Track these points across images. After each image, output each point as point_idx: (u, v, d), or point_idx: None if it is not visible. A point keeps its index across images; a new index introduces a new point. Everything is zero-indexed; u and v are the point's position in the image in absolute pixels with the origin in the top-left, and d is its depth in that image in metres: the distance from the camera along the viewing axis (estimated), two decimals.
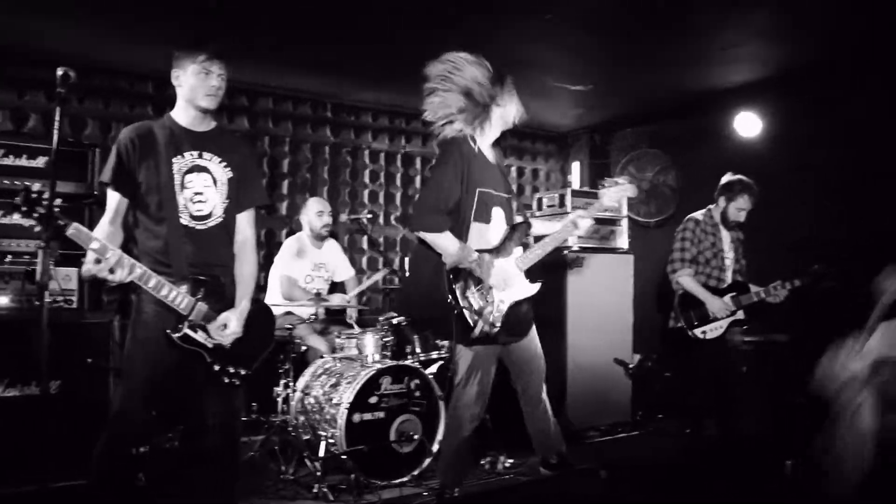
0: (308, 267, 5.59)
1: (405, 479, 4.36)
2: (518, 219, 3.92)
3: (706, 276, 4.94)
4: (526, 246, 3.83)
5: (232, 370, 3.17)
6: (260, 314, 3.35)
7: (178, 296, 2.99)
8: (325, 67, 5.99)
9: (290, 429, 4.64)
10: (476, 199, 3.66)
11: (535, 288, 3.76)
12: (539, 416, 3.99)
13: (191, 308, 3.03)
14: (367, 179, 7.13)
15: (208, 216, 3.17)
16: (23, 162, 4.65)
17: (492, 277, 3.61)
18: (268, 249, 6.29)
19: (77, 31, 5.11)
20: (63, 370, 4.09)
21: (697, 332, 4.84)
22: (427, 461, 4.46)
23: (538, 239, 3.89)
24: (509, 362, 3.94)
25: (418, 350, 4.87)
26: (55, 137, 2.64)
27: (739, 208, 4.93)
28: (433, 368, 4.81)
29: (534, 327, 3.93)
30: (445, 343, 4.90)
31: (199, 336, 3.07)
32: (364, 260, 7.07)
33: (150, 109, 6.03)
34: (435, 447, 4.48)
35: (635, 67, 5.85)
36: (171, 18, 4.88)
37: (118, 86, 5.95)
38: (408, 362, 4.64)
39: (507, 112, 3.73)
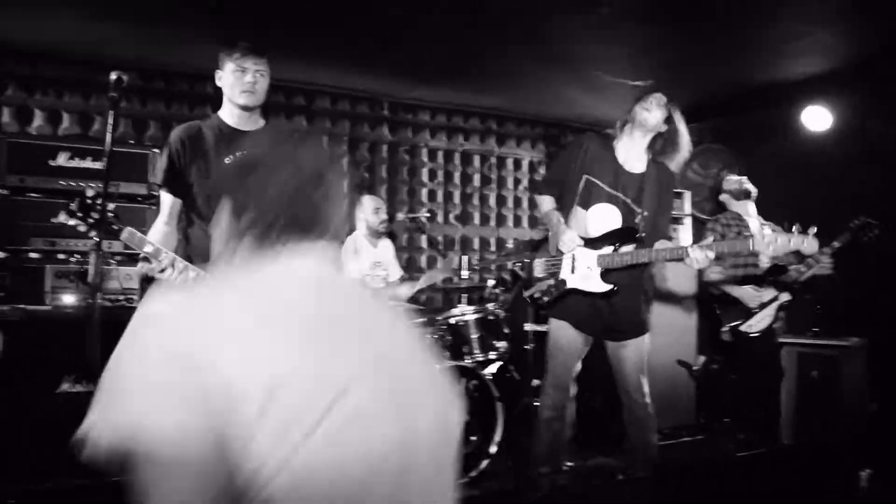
0: (367, 266, 5.58)
1: (463, 480, 4.32)
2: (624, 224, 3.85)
3: (742, 268, 4.87)
4: (617, 248, 3.77)
5: None
6: None
7: None
8: (383, 66, 5.98)
9: None
10: (581, 185, 3.81)
11: (601, 286, 3.71)
12: (631, 421, 3.92)
13: None
14: (425, 178, 7.11)
15: None
16: (87, 164, 4.74)
17: (563, 238, 3.78)
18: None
19: (137, 35, 5.18)
20: None
21: (743, 328, 4.77)
22: (484, 463, 4.40)
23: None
24: (610, 358, 3.92)
25: (476, 350, 4.82)
26: (108, 140, 2.68)
27: (737, 180, 5.12)
28: (491, 369, 4.76)
29: (642, 339, 3.84)
30: (503, 343, 4.86)
31: None
32: (423, 259, 7.05)
33: (210, 110, 6.08)
34: (493, 449, 4.42)
35: (696, 60, 5.69)
36: (227, 21, 4.93)
37: (178, 87, 6.04)
38: (465, 363, 4.59)
39: (645, 119, 3.81)
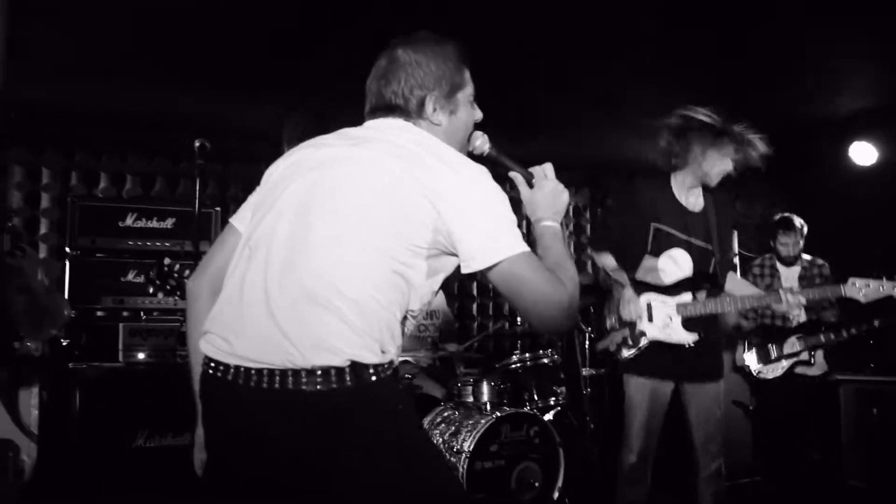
0: (421, 316, 5.66)
1: None
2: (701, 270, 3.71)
3: (769, 318, 4.94)
4: (695, 294, 3.65)
5: None
6: None
7: None
8: None
9: None
10: (650, 235, 3.66)
11: (685, 337, 3.56)
12: (703, 477, 3.78)
13: None
14: None
15: None
16: (153, 224, 4.92)
17: (629, 307, 3.60)
18: None
19: (196, 97, 5.39)
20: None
21: (753, 370, 4.87)
22: None
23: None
24: (686, 405, 3.76)
25: (535, 397, 4.87)
26: (197, 205, 2.82)
27: (783, 243, 5.12)
28: (549, 416, 4.80)
29: (719, 383, 3.74)
30: (561, 389, 4.90)
31: None
32: (474, 306, 7.12)
33: (264, 166, 6.27)
34: (555, 494, 4.45)
35: (737, 98, 5.76)
36: (285, 83, 5.12)
37: (235, 146, 6.23)
38: (526, 409, 4.64)
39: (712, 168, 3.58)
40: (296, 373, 1.61)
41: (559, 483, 4.48)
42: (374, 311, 1.70)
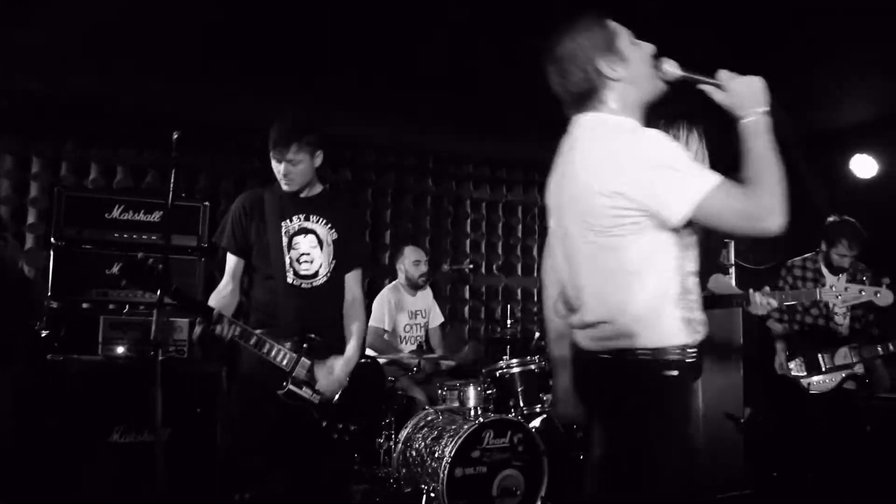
0: (406, 316, 5.62)
1: None
2: None
3: (809, 326, 4.68)
4: None
5: (341, 426, 3.25)
6: (369, 369, 3.48)
7: (281, 353, 3.12)
8: (427, 119, 6.07)
9: (392, 481, 4.62)
10: None
11: None
12: None
13: (293, 364, 3.15)
14: (468, 229, 7.15)
15: (314, 275, 3.33)
16: (140, 217, 4.84)
17: None
18: (370, 299, 6.34)
19: (187, 89, 5.35)
20: (174, 419, 4.20)
21: (803, 382, 4.61)
22: None
23: None
24: None
25: (522, 403, 4.79)
26: (170, 198, 2.76)
27: (841, 254, 4.58)
28: (536, 423, 4.72)
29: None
30: (549, 396, 4.82)
31: (304, 392, 3.15)
32: (466, 310, 7.06)
33: (257, 161, 6.24)
34: (538, 503, 4.37)
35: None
36: (274, 75, 5.07)
37: (227, 141, 6.17)
38: (511, 416, 4.56)
39: None
40: None
41: (542, 492, 4.41)
42: None
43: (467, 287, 6.96)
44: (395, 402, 4.86)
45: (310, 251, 3.33)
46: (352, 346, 3.34)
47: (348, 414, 3.28)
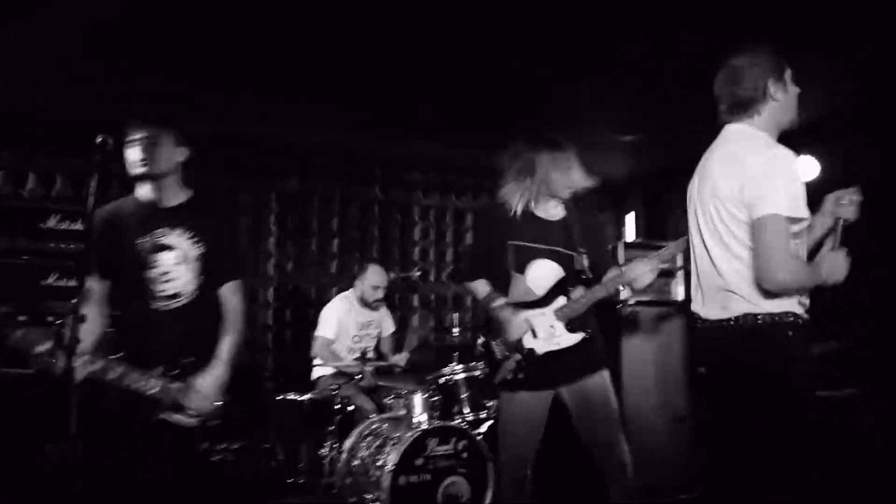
0: (354, 327, 5.57)
1: None
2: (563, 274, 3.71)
3: None
4: (569, 296, 3.64)
5: (222, 446, 3.05)
6: (244, 383, 3.25)
7: (147, 382, 2.88)
8: (374, 124, 6.03)
9: (336, 491, 4.57)
10: (510, 253, 3.61)
11: (574, 338, 3.57)
12: (609, 470, 3.66)
13: (163, 392, 2.91)
14: (417, 236, 7.12)
15: (176, 295, 3.05)
16: (78, 226, 4.77)
17: (510, 328, 3.55)
18: (317, 309, 6.28)
19: (130, 97, 5.25)
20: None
21: None
22: None
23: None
24: (571, 408, 3.69)
25: (466, 410, 4.76)
26: (90, 202, 2.66)
27: None
28: (482, 429, 4.70)
29: (600, 374, 3.67)
30: (494, 402, 4.79)
31: (178, 418, 2.94)
32: (415, 318, 7.02)
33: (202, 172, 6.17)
34: None
35: (688, 114, 5.74)
36: (219, 82, 5.01)
37: None
38: (455, 423, 4.53)
39: (555, 181, 3.59)
40: None
41: (488, 499, 4.38)
42: None
43: (416, 295, 6.92)
44: (340, 412, 4.79)
45: (171, 269, 3.03)
46: (219, 361, 3.04)
47: (229, 434, 3.09)
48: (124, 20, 4.13)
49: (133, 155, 3.03)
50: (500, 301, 3.60)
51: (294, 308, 6.53)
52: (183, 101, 5.37)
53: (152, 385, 2.88)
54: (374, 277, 5.62)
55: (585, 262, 3.64)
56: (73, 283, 4.65)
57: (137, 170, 3.03)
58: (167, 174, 3.08)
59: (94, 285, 3.02)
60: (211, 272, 3.10)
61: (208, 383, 2.99)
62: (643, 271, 3.50)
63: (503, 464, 3.65)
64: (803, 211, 2.67)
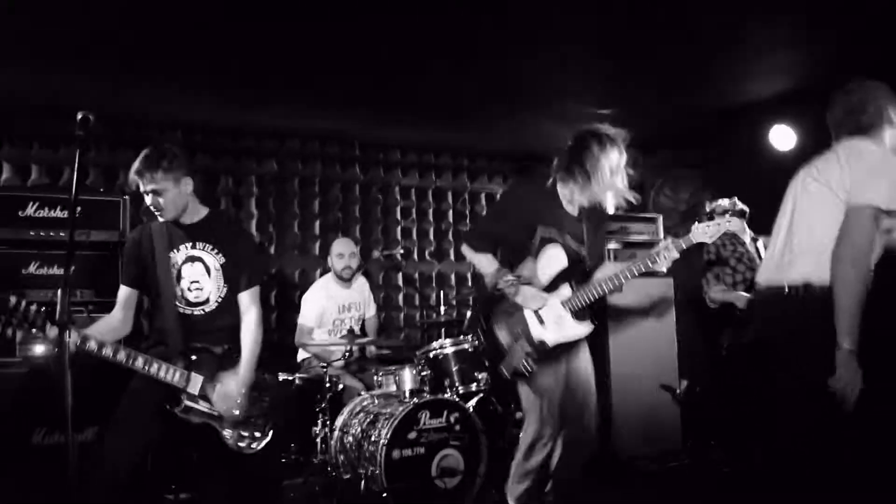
0: (335, 311, 5.56)
1: None
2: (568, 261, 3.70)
3: (741, 273, 4.98)
4: (576, 287, 3.64)
5: (245, 434, 3.37)
6: (265, 381, 3.58)
7: (171, 371, 3.20)
8: (352, 106, 6.00)
9: (330, 468, 4.56)
10: (537, 237, 3.61)
11: (581, 329, 3.61)
12: (568, 439, 3.72)
13: (185, 380, 3.23)
14: (398, 216, 7.11)
15: (205, 302, 3.43)
16: (57, 213, 4.70)
17: (527, 299, 3.56)
18: (301, 291, 6.25)
19: (106, 84, 5.18)
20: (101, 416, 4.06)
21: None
22: (471, 496, 4.34)
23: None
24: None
25: (457, 383, 4.77)
26: (74, 181, 2.63)
27: (731, 202, 5.14)
28: (473, 402, 4.71)
29: (585, 349, 3.76)
30: (484, 375, 4.80)
31: (202, 405, 3.27)
32: (400, 297, 7.02)
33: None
34: (478, 482, 4.36)
35: (659, 87, 5.76)
36: (195, 67, 4.96)
37: (149, 136, 6.00)
38: (446, 396, 4.54)
39: (607, 187, 3.58)
40: None
41: (482, 471, 4.39)
42: None
43: (400, 274, 6.91)
44: (330, 391, 4.78)
45: (198, 279, 3.41)
46: (244, 364, 3.40)
47: (252, 425, 3.42)
48: (98, 4, 4.06)
49: (147, 201, 3.34)
50: (511, 276, 3.58)
51: (277, 291, 6.50)
52: (160, 86, 5.31)
53: (176, 373, 3.21)
54: (336, 247, 5.70)
55: (586, 258, 3.69)
56: (53, 271, 4.62)
57: (160, 216, 3.37)
58: (181, 212, 3.40)
59: (123, 292, 3.41)
60: (231, 281, 3.47)
61: (234, 387, 3.33)
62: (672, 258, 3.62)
63: (539, 432, 3.65)
64: None
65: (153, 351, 3.25)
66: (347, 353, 5.02)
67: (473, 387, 4.78)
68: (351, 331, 5.11)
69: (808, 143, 5.80)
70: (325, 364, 4.86)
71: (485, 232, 3.80)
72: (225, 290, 3.46)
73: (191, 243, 3.42)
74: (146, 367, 3.13)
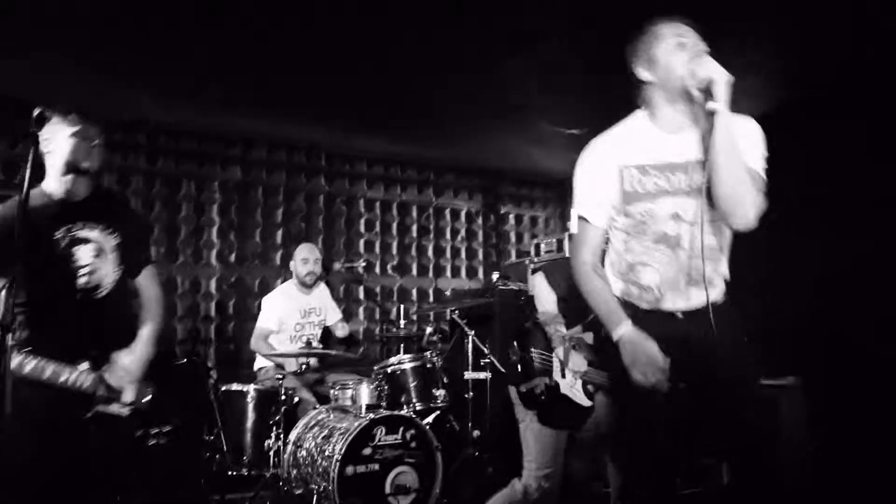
0: (296, 315, 5.52)
1: None
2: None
3: None
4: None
5: (156, 430, 3.05)
6: (184, 368, 3.52)
7: (80, 376, 2.85)
8: (319, 117, 5.96)
9: (282, 483, 4.48)
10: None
11: (586, 402, 3.42)
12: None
13: (95, 384, 2.88)
14: (362, 228, 7.05)
15: (98, 287, 3.01)
16: None
17: (571, 363, 3.41)
18: (261, 300, 6.16)
19: (70, 80, 5.09)
20: None
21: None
22: None
23: None
24: None
25: (415, 399, 4.72)
26: (26, 179, 2.54)
27: None
28: (430, 419, 4.66)
29: None
30: (442, 392, 4.76)
31: (113, 408, 2.93)
32: (360, 310, 6.95)
33: (144, 160, 6.05)
34: (432, 501, 4.31)
35: (630, 108, 5.78)
36: (163, 68, 4.89)
37: (111, 136, 5.88)
38: (403, 412, 4.48)
39: None
40: None
41: (437, 489, 4.34)
42: None
43: (361, 287, 6.85)
44: (285, 403, 4.70)
45: (90, 262, 2.97)
46: (140, 340, 3.06)
47: (161, 416, 3.08)
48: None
49: (71, 146, 2.97)
50: (566, 332, 3.41)
51: (237, 300, 6.40)
52: (122, 88, 5.22)
53: (84, 379, 2.86)
54: (300, 252, 5.69)
55: None
56: None
57: (82, 164, 2.98)
58: (96, 172, 3.06)
59: None
60: (128, 262, 3.12)
61: (129, 360, 2.98)
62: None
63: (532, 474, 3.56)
64: None
65: (53, 351, 2.81)
66: (304, 366, 4.95)
67: (431, 404, 4.73)
68: (308, 343, 5.04)
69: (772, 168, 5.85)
70: (281, 375, 4.79)
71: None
72: (121, 272, 3.07)
73: (81, 222, 2.98)
74: (55, 377, 2.76)
